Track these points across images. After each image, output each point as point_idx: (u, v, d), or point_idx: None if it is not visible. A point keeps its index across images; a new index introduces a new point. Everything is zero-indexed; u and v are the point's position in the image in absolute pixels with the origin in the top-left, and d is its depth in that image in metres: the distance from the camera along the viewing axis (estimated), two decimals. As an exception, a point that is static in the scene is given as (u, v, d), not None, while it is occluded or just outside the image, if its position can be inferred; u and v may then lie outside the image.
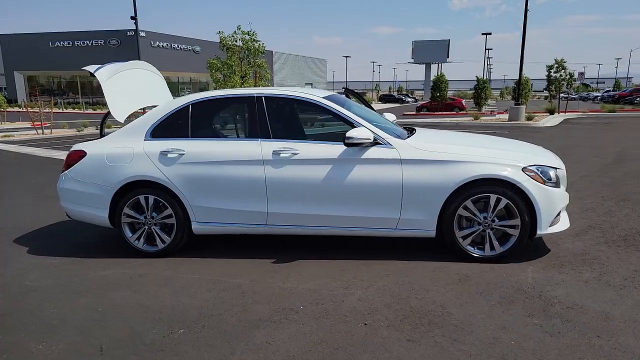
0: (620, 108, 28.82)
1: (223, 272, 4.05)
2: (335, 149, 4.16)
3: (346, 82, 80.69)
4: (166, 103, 4.64)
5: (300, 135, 4.52)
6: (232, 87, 10.74)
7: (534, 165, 4.03)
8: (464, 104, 39.36)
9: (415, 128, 4.96)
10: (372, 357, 2.69)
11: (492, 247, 4.06)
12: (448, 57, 76.48)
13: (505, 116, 24.27)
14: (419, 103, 50.02)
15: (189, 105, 4.49)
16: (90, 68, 4.68)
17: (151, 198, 4.38)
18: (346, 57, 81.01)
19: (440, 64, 75.65)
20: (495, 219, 4.01)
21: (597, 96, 53.30)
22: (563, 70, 26.66)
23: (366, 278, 3.82)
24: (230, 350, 2.82)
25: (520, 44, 21.43)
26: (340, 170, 4.11)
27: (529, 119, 21.94)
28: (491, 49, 67.73)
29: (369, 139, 4.05)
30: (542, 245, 4.44)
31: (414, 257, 4.22)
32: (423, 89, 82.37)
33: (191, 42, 51.31)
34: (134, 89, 5.00)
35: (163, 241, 4.45)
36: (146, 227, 4.46)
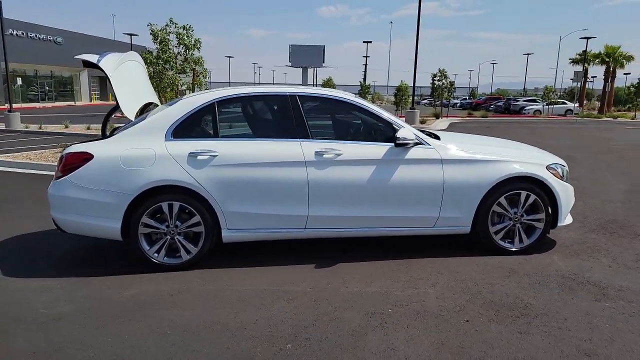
0: (491, 114, 32.55)
1: (270, 281, 3.78)
2: (378, 150, 4.14)
3: (229, 82, 79.29)
4: (184, 100, 4.19)
5: (339, 136, 4.39)
6: (168, 84, 10.00)
7: (553, 163, 4.44)
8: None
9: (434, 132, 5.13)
10: (504, 353, 2.75)
11: (520, 240, 4.37)
12: (324, 62, 79.05)
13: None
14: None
15: (214, 103, 4.12)
16: (90, 57, 4.04)
17: (176, 205, 3.92)
18: (229, 57, 79.44)
19: (316, 69, 77.96)
20: (524, 213, 4.33)
21: (456, 103, 59.09)
22: (445, 79, 29.26)
23: (423, 277, 3.87)
24: (361, 359, 2.67)
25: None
26: (385, 171, 4.10)
27: (422, 122, 23.76)
28: (369, 57, 71.66)
29: (414, 139, 4.11)
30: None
31: (445, 254, 4.36)
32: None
33: (53, 32, 45.29)
34: (135, 82, 4.44)
35: (188, 252, 4.02)
36: (168, 237, 3.99)
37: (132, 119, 4.14)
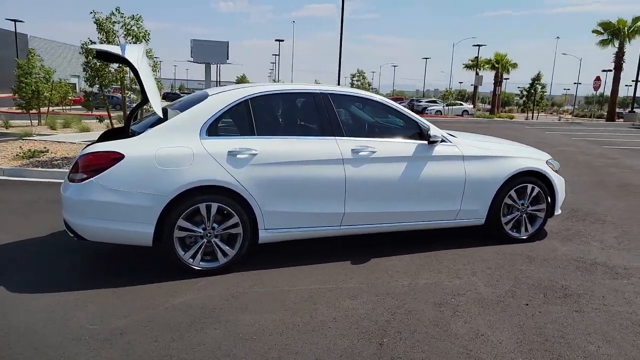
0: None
1: (318, 279, 3.76)
2: (407, 147, 4.29)
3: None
4: (215, 97, 3.99)
5: (369, 134, 4.44)
6: (116, 78, 9.26)
7: (550, 159, 4.91)
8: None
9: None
10: (577, 330, 3.03)
11: (526, 229, 4.78)
12: (228, 58, 77.61)
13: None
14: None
15: (246, 100, 3.98)
16: (112, 49, 3.70)
17: (214, 206, 3.74)
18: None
19: (219, 65, 76.33)
20: (529, 204, 4.74)
21: None
22: (363, 79, 30.30)
23: (459, 267, 4.08)
24: (465, 348, 2.79)
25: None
26: (414, 167, 4.26)
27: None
28: (277, 55, 71.68)
29: (441, 137, 4.33)
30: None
31: (463, 245, 4.63)
32: (204, 89, 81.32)
33: None
34: (150, 76, 4.14)
35: (225, 255, 3.85)
36: (204, 240, 3.79)
37: (160, 114, 3.85)
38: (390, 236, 4.80)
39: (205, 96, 4.03)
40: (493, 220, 4.62)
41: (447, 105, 45.29)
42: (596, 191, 7.56)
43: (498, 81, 51.55)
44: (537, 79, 40.37)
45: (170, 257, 3.73)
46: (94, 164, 3.56)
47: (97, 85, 9.47)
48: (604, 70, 49.69)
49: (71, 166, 3.74)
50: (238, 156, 3.77)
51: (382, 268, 4.02)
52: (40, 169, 7.91)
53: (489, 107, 60.05)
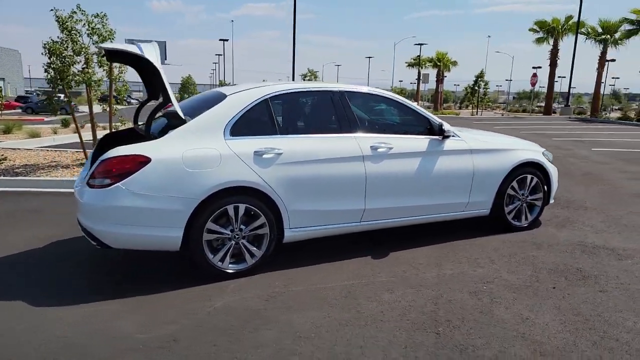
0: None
1: (349, 275, 3.78)
2: (420, 142, 4.40)
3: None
4: (235, 97, 3.91)
5: (384, 130, 4.49)
6: (82, 79, 8.78)
7: (544, 150, 5.19)
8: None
9: None
10: (610, 309, 3.24)
11: (526, 218, 5.03)
12: (166, 58, 75.25)
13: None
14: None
15: (267, 99, 3.94)
16: (128, 47, 3.54)
17: (242, 207, 3.68)
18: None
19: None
20: (529, 194, 4.99)
21: None
22: (315, 79, 30.47)
23: (477, 256, 4.24)
24: (518, 332, 2.92)
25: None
26: (428, 162, 4.38)
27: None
28: (220, 55, 70.47)
29: (453, 132, 4.48)
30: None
31: (471, 235, 4.80)
32: (141, 90, 78.42)
33: None
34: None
35: (252, 256, 3.80)
36: (232, 242, 3.72)
37: (182, 115, 3.73)
38: (400, 230, 4.90)
39: (223, 96, 3.95)
40: (497, 210, 4.83)
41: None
42: (566, 180, 8.03)
43: (440, 79, 53.35)
44: (480, 76, 42.17)
45: (198, 261, 3.63)
46: (119, 169, 3.41)
47: (60, 87, 8.96)
48: (534, 67, 52.82)
49: (90, 171, 3.56)
50: (264, 156, 3.73)
51: (405, 261, 4.11)
52: (3, 177, 7.39)
53: (429, 104, 62.12)
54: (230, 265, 3.73)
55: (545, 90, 41.96)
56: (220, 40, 56.00)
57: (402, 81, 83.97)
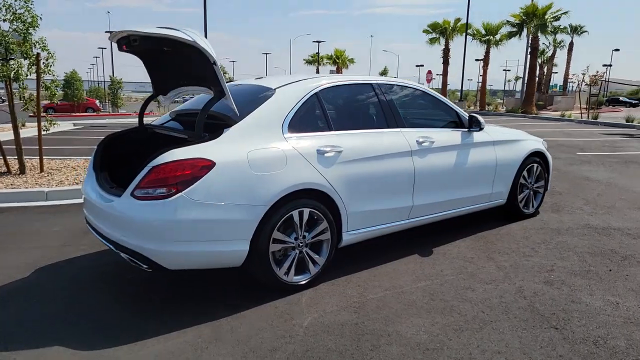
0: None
1: (412, 278, 3.60)
2: (455, 135, 4.36)
3: None
4: (285, 90, 3.51)
5: (422, 124, 4.32)
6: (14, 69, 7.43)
7: (543, 140, 5.44)
8: (98, 104, 38.52)
9: None
10: (670, 284, 3.47)
11: (532, 205, 5.24)
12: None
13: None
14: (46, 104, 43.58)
15: (317, 93, 3.61)
16: (178, 34, 2.98)
17: (306, 211, 3.33)
18: None
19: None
20: (534, 182, 5.20)
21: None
22: (224, 75, 29.25)
23: (517, 247, 4.28)
24: (622, 317, 2.97)
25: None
26: (462, 155, 4.35)
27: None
28: (104, 48, 65.32)
29: (485, 123, 4.50)
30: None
31: (490, 227, 4.88)
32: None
33: None
34: None
35: (315, 264, 3.47)
36: (296, 251, 3.36)
37: (237, 112, 3.25)
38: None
39: (268, 89, 3.54)
40: (512, 199, 4.96)
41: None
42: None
43: (339, 76, 54.63)
44: (383, 73, 43.89)
45: (263, 275, 3.22)
46: (178, 175, 2.87)
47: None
48: (417, 65, 56.43)
49: (137, 180, 2.96)
50: (326, 155, 3.41)
51: (455, 256, 4.03)
52: None
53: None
54: (294, 278, 3.36)
55: (439, 86, 44.99)
56: (107, 32, 51.61)
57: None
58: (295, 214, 3.26)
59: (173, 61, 3.52)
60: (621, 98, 55.74)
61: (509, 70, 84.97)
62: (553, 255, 4.05)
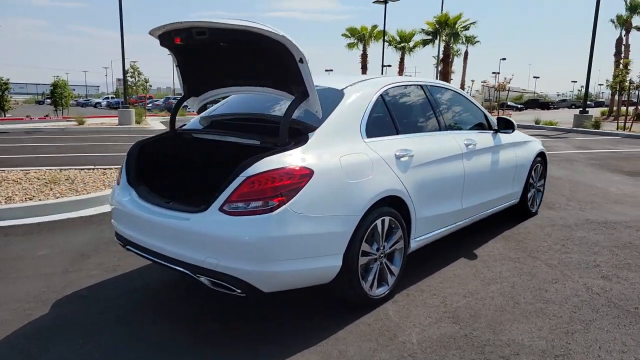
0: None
1: (479, 281, 3.58)
2: (487, 137, 4.40)
3: None
4: (354, 90, 3.29)
5: (462, 126, 4.27)
6: None
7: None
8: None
9: None
10: None
11: (536, 203, 5.46)
12: None
13: (111, 120, 23.29)
14: None
15: (381, 94, 3.44)
16: (270, 29, 2.64)
17: (387, 220, 3.15)
18: None
19: None
20: (537, 181, 5.43)
21: (99, 103, 55.90)
22: (139, 75, 27.37)
23: (547, 245, 4.41)
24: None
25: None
26: (494, 156, 4.41)
27: (138, 123, 22.04)
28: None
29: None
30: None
31: (509, 226, 5.01)
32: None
33: None
34: None
35: (392, 274, 3.29)
36: (378, 262, 3.16)
37: (320, 115, 2.96)
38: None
39: (335, 89, 3.30)
40: (523, 198, 5.13)
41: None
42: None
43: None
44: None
45: (350, 290, 2.97)
46: (279, 187, 2.55)
47: None
48: (326, 70, 57.28)
49: (226, 193, 2.58)
50: (402, 159, 3.26)
51: (499, 257, 4.05)
52: None
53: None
54: (377, 291, 3.15)
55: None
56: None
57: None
58: (379, 223, 3.06)
59: (232, 59, 3.14)
60: (509, 103, 61.29)
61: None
62: (587, 251, 4.22)
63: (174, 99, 48.29)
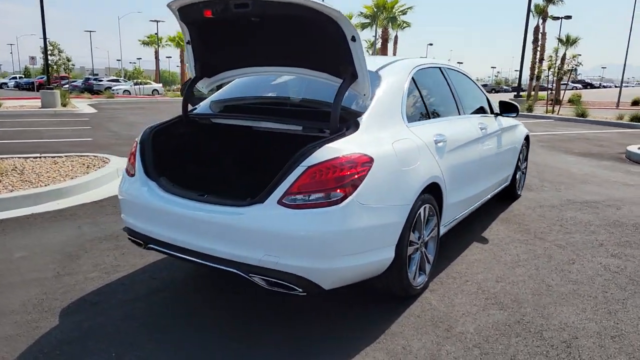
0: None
1: (502, 260, 3.61)
2: (493, 120, 4.42)
3: None
4: (389, 72, 3.12)
5: (474, 109, 4.21)
6: None
7: (519, 123, 5.85)
8: None
9: None
10: (695, 247, 4.03)
11: (521, 186, 5.62)
12: None
13: (31, 102, 21.27)
14: None
15: (413, 77, 3.31)
16: (323, 6, 2.41)
17: (427, 208, 3.05)
18: None
19: None
20: (522, 163, 5.58)
21: (5, 83, 50.32)
22: (59, 53, 25.08)
23: (546, 224, 4.54)
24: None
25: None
26: (499, 139, 4.44)
27: (64, 105, 20.39)
28: None
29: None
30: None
31: (493, 211, 5.12)
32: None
33: None
34: None
35: (429, 263, 3.21)
36: (419, 252, 3.06)
37: (369, 98, 2.76)
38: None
39: (370, 71, 3.12)
40: (512, 180, 5.25)
41: (135, 84, 40.77)
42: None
43: (183, 59, 51.87)
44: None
45: (398, 282, 2.85)
46: (343, 177, 2.36)
47: None
48: None
49: (285, 184, 2.34)
50: (439, 144, 3.17)
51: (509, 240, 4.11)
52: None
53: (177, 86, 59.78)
54: (418, 280, 3.06)
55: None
56: None
57: (140, 59, 73.92)
58: (422, 211, 2.95)
59: (266, 37, 2.85)
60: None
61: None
62: (585, 230, 4.40)
63: (95, 79, 44.83)
